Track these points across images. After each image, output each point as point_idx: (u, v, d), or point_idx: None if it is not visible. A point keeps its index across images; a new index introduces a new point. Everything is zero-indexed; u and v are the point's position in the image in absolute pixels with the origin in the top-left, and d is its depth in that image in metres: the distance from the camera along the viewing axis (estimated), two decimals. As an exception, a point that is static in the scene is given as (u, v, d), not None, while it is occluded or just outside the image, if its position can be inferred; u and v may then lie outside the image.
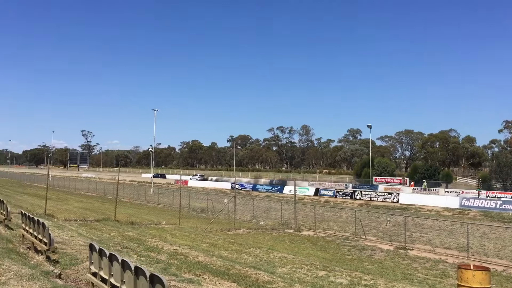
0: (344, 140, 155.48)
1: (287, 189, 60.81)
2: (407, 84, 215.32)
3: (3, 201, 14.23)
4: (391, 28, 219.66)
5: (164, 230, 20.78)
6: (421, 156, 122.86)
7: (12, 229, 13.25)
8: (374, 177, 67.36)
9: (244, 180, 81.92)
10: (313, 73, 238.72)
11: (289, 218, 29.48)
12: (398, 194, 50.44)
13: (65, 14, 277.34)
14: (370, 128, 73.94)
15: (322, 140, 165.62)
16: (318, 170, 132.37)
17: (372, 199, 51.21)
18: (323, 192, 57.89)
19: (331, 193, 56.90)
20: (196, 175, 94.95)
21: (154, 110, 69.98)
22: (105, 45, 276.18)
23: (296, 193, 30.73)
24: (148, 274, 4.88)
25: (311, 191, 59.47)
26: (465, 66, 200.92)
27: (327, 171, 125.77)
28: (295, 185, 30.14)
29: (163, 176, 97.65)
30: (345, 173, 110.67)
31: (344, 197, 54.27)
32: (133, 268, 5.28)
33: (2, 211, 13.94)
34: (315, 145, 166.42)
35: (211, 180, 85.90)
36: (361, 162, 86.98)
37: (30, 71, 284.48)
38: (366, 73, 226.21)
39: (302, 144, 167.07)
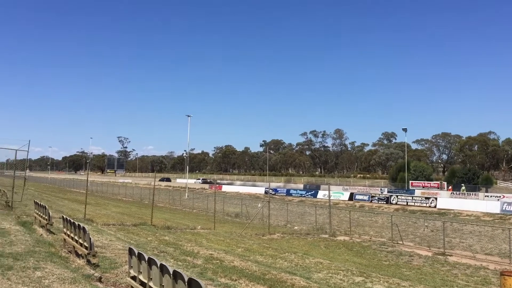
0: (378, 144, 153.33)
1: (321, 194, 60.31)
2: (443, 85, 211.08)
3: (45, 206, 14.67)
4: (425, 28, 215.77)
5: (200, 234, 20.96)
6: (459, 160, 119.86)
7: (53, 233, 13.64)
8: (410, 182, 65.96)
9: (278, 184, 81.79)
10: (346, 76, 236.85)
11: (323, 223, 29.25)
12: (436, 198, 49.24)
13: (98, 19, 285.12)
14: (406, 131, 72.54)
15: (356, 144, 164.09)
16: (352, 175, 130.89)
17: (408, 203, 50.18)
18: (358, 197, 57.13)
19: (366, 197, 56.09)
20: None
21: (188, 116, 70.86)
22: (139, 53, 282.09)
23: (331, 198, 30.45)
24: (186, 279, 4.93)
25: (346, 195, 58.80)
26: (503, 67, 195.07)
27: (362, 175, 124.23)
28: (329, 190, 29.91)
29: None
30: (380, 178, 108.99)
31: (379, 202, 53.39)
32: (171, 272, 5.35)
33: (44, 216, 14.37)
34: (349, 149, 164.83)
35: (240, 185, 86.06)
36: (396, 166, 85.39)
37: (68, 80, 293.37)
38: (400, 75, 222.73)
39: (335, 148, 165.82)
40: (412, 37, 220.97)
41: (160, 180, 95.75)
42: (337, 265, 14.35)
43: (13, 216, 17.62)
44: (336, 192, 59.07)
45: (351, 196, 57.72)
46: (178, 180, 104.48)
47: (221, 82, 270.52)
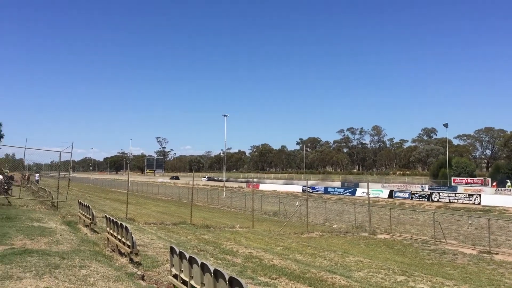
0: (418, 140, 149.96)
1: (360, 192, 59.52)
2: (486, 79, 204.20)
3: (88, 206, 15.08)
4: (461, 20, 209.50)
5: (238, 233, 21.07)
6: (504, 155, 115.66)
7: (97, 232, 14.00)
8: (452, 178, 64.17)
9: (315, 182, 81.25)
10: (383, 71, 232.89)
11: (363, 221, 28.84)
12: (480, 195, 47.64)
13: (135, 19, 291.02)
14: (447, 127, 70.64)
15: (395, 141, 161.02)
16: (391, 172, 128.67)
17: (451, 201, 48.81)
18: (397, 194, 56.04)
19: (406, 195, 54.93)
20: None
21: (225, 115, 71.36)
22: (176, 53, 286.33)
23: (370, 196, 29.99)
24: (227, 277, 4.95)
25: (385, 193, 57.80)
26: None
27: (401, 172, 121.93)
28: (368, 187, 29.41)
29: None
30: (420, 174, 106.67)
31: (420, 199, 52.18)
32: (212, 271, 5.38)
33: (88, 215, 14.78)
34: (388, 145, 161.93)
35: (277, 183, 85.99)
36: (437, 162, 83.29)
37: (108, 82, 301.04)
38: (440, 69, 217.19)
39: (373, 145, 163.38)
40: (450, 30, 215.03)
41: (170, 179, 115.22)
42: (378, 263, 14.12)
43: (59, 216, 18.20)
44: (375, 190, 58.17)
45: (391, 194, 56.71)
46: (186, 179, 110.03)
47: (257, 81, 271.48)
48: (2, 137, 59.56)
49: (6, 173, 34.35)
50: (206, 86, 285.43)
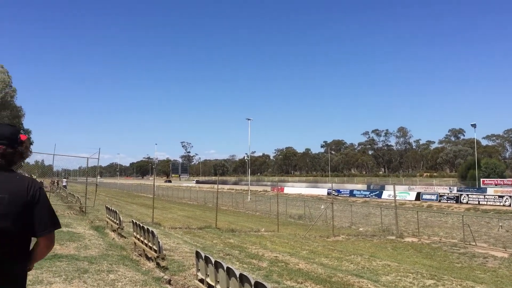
0: (445, 141, 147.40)
1: (386, 194, 58.80)
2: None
3: (115, 211, 15.31)
4: (489, 16, 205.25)
5: (264, 237, 21.04)
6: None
7: (124, 237, 14.18)
8: (481, 179, 62.78)
9: (340, 185, 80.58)
10: (407, 71, 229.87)
11: (389, 224, 28.46)
12: (510, 197, 46.43)
13: (154, 19, 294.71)
14: (475, 127, 69.18)
15: (421, 142, 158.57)
16: (418, 174, 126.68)
17: (480, 203, 47.74)
18: (425, 197, 55.12)
19: (434, 197, 54.01)
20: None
21: (248, 119, 71.52)
22: (200, 58, 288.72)
23: (396, 198, 29.59)
24: (253, 282, 4.95)
25: (412, 195, 56.94)
26: None
27: (428, 174, 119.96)
28: (394, 190, 29.01)
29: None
30: (448, 176, 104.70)
31: (448, 201, 51.22)
32: (238, 275, 5.38)
33: (115, 220, 15.00)
34: (414, 147, 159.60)
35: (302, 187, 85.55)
36: (465, 163, 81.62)
37: (133, 90, 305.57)
38: (466, 68, 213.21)
39: (399, 147, 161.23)
40: (477, 27, 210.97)
41: (165, 182, 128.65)
42: (406, 267, 13.89)
43: (87, 221, 18.52)
44: (401, 192, 57.38)
45: (418, 196, 55.84)
46: (181, 183, 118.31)
47: (281, 84, 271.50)
48: (32, 143, 61.08)
49: (35, 179, 35.07)
50: (230, 90, 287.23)
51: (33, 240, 2.49)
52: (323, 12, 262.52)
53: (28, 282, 6.61)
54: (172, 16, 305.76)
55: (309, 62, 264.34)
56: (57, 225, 2.50)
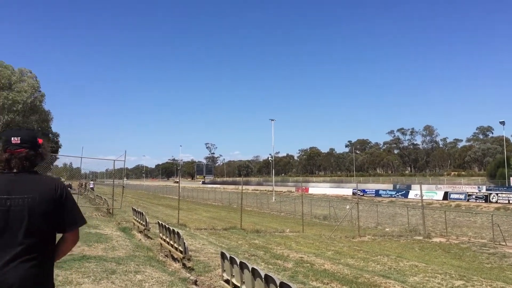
0: (473, 139, 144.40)
1: (413, 194, 57.97)
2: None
3: (142, 212, 15.51)
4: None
5: (289, 238, 21.00)
6: None
7: (151, 238, 14.35)
8: (511, 178, 61.29)
9: (365, 185, 79.80)
10: (433, 68, 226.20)
11: (416, 224, 28.04)
12: (542, 195, 45.29)
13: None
14: (503, 125, 67.55)
15: (448, 140, 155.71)
16: (445, 173, 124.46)
17: (510, 202, 46.59)
18: (453, 196, 54.11)
19: (462, 196, 52.97)
20: (200, 181, 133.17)
21: (271, 120, 71.57)
22: (222, 60, 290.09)
23: (423, 198, 29.13)
24: (278, 282, 4.94)
25: (439, 195, 55.97)
26: None
27: (456, 173, 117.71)
28: (421, 189, 28.56)
29: (177, 182, 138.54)
30: (476, 175, 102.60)
31: (477, 201, 50.17)
32: (263, 276, 5.39)
33: (142, 222, 15.20)
34: (441, 146, 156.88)
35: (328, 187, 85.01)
36: (494, 162, 79.80)
37: (157, 92, 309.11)
38: (493, 64, 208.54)
39: (426, 146, 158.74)
40: (505, 25, 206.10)
41: (173, 183, 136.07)
42: (434, 268, 13.67)
43: (114, 223, 18.80)
44: (428, 192, 56.47)
45: (445, 195, 54.87)
46: (185, 184, 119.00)
47: (304, 83, 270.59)
48: (60, 147, 62.41)
49: (63, 182, 35.84)
50: (254, 91, 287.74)
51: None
52: (347, 8, 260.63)
53: (57, 283, 6.76)
54: (194, 17, 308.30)
55: (333, 60, 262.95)
56: (84, 220, 2.68)
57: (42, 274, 2.46)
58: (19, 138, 2.57)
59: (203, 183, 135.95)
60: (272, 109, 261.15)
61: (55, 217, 2.51)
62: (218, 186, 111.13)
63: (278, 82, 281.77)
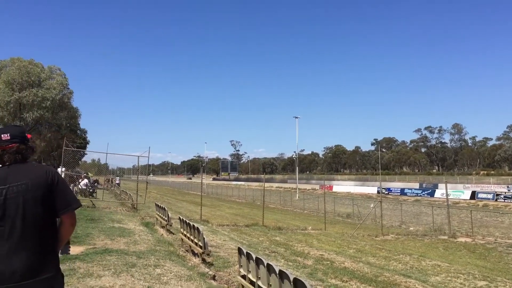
0: (504, 138, 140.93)
1: (439, 193, 56.99)
2: None
3: (164, 208, 15.74)
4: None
5: (310, 235, 20.96)
6: None
7: (172, 233, 14.56)
8: (542, 178, 59.68)
9: (391, 184, 78.79)
10: (461, 65, 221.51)
11: (442, 223, 27.59)
12: None
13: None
14: (535, 123, 65.70)
15: (477, 139, 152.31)
16: (474, 172, 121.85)
17: (540, 202, 45.39)
18: (480, 195, 52.96)
19: (490, 196, 51.80)
20: (211, 178, 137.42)
21: (296, 118, 71.30)
22: (247, 58, 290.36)
23: (450, 197, 28.65)
24: (291, 278, 4.97)
25: (467, 194, 54.87)
26: None
27: (485, 172, 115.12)
28: (446, 188, 28.06)
29: (190, 178, 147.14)
30: (506, 174, 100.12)
31: (506, 201, 48.96)
32: (277, 272, 5.43)
33: (164, 217, 15.43)
34: (469, 144, 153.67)
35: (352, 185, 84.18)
36: (525, 161, 77.70)
37: (183, 89, 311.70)
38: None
39: (454, 144, 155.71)
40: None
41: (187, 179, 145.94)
42: (457, 268, 13.45)
43: (138, 218, 19.11)
44: (455, 191, 55.45)
45: (473, 195, 53.75)
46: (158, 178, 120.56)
47: (329, 81, 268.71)
48: (88, 143, 63.66)
49: (91, 177, 36.61)
50: (278, 88, 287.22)
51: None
52: (374, 5, 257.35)
53: (79, 275, 6.94)
54: (223, 13, 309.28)
55: (358, 57, 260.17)
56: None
57: (44, 260, 2.57)
58: (8, 134, 2.72)
59: (214, 179, 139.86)
60: (297, 106, 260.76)
61: (49, 201, 2.63)
62: (242, 183, 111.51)
63: (303, 80, 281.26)
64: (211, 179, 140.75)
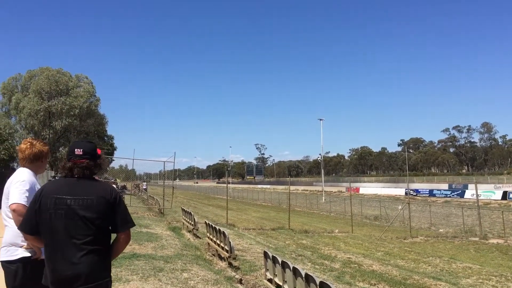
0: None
1: (469, 194, 55.73)
2: None
3: (190, 212, 15.85)
4: None
5: (337, 238, 20.80)
6: None
7: (199, 237, 14.64)
8: None
9: (419, 185, 77.50)
10: (489, 63, 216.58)
11: (472, 225, 26.98)
12: None
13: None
14: None
15: (508, 138, 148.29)
16: (505, 171, 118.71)
17: None
18: (513, 196, 51.58)
19: (523, 196, 50.40)
20: (215, 181, 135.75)
21: (320, 120, 70.95)
22: (272, 62, 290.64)
23: (480, 198, 28.00)
24: (318, 281, 4.95)
25: (498, 194, 53.49)
26: None
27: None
28: (476, 189, 27.46)
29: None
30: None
31: (540, 201, 47.60)
32: (303, 275, 5.40)
33: (190, 221, 15.54)
34: (500, 143, 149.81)
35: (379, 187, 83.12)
36: (559, 159, 75.38)
37: (208, 94, 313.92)
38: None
39: (483, 144, 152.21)
40: None
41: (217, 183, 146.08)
42: (489, 270, 13.14)
43: (165, 222, 19.30)
44: (486, 191, 54.11)
45: (505, 195, 52.34)
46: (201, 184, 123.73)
47: (354, 83, 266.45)
48: (115, 149, 64.69)
49: (118, 183, 37.18)
50: (303, 91, 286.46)
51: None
52: (400, 6, 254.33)
53: (108, 279, 7.00)
54: (243, 18, 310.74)
55: (384, 58, 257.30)
56: (133, 223, 3.03)
57: (103, 265, 2.84)
58: (81, 150, 2.96)
59: (218, 182, 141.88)
60: (322, 108, 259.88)
61: (109, 218, 2.86)
62: (268, 186, 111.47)
63: (327, 82, 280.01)
64: (215, 182, 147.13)
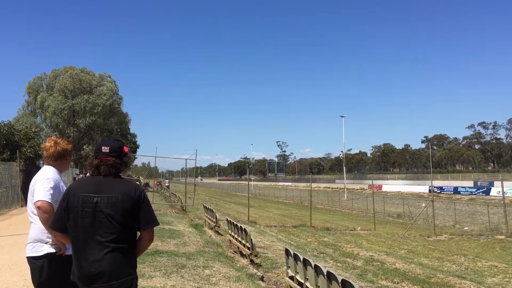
0: None
1: (495, 191, 54.62)
2: None
3: (212, 209, 15.95)
4: None
5: (359, 236, 20.64)
6: None
7: (221, 234, 14.72)
8: None
9: (443, 182, 76.34)
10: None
11: (498, 222, 26.43)
12: None
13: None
14: None
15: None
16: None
17: None
18: (540, 193, 50.36)
19: (551, 193, 49.15)
20: (219, 179, 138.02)
21: (342, 117, 70.43)
22: (294, 60, 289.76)
23: (506, 195, 27.42)
24: (340, 279, 4.91)
25: (525, 191, 52.31)
26: None
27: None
28: (502, 186, 26.88)
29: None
30: None
31: None
32: (325, 273, 5.37)
33: (212, 218, 15.63)
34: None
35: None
36: None
37: (230, 92, 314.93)
38: None
39: (510, 140, 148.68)
40: None
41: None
42: (516, 269, 12.86)
43: (187, 219, 19.44)
44: (512, 188, 52.97)
45: (532, 192, 51.17)
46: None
47: (376, 79, 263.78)
48: (138, 147, 65.45)
49: (141, 181, 37.58)
50: (324, 88, 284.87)
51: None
52: (423, 3, 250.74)
53: (131, 275, 7.09)
54: (264, 17, 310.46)
55: (407, 55, 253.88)
56: (157, 222, 3.02)
57: (128, 262, 2.85)
58: (108, 147, 2.98)
59: (220, 179, 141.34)
60: (343, 105, 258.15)
61: (134, 215, 2.88)
62: (289, 183, 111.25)
63: (349, 78, 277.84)
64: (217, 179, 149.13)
